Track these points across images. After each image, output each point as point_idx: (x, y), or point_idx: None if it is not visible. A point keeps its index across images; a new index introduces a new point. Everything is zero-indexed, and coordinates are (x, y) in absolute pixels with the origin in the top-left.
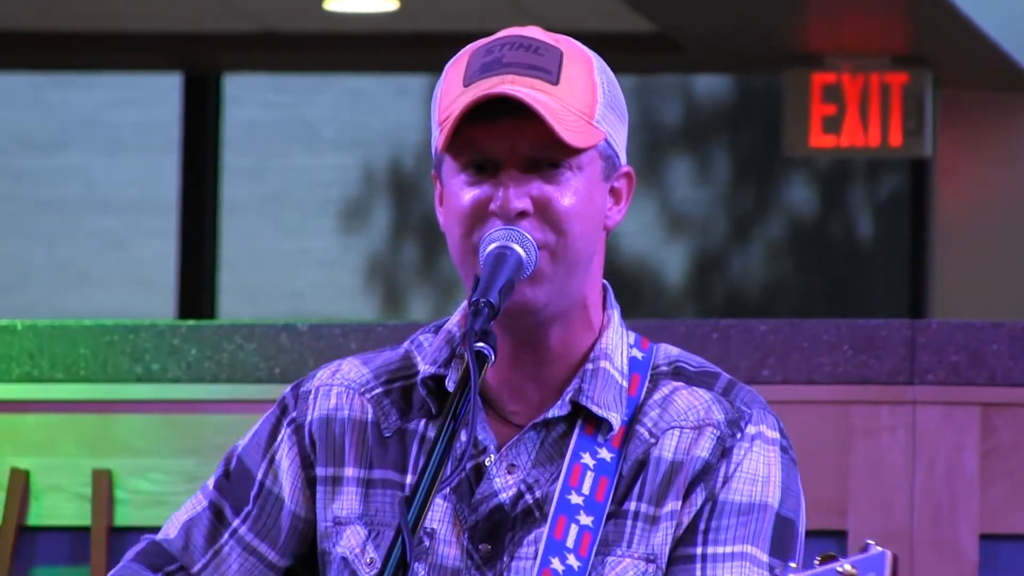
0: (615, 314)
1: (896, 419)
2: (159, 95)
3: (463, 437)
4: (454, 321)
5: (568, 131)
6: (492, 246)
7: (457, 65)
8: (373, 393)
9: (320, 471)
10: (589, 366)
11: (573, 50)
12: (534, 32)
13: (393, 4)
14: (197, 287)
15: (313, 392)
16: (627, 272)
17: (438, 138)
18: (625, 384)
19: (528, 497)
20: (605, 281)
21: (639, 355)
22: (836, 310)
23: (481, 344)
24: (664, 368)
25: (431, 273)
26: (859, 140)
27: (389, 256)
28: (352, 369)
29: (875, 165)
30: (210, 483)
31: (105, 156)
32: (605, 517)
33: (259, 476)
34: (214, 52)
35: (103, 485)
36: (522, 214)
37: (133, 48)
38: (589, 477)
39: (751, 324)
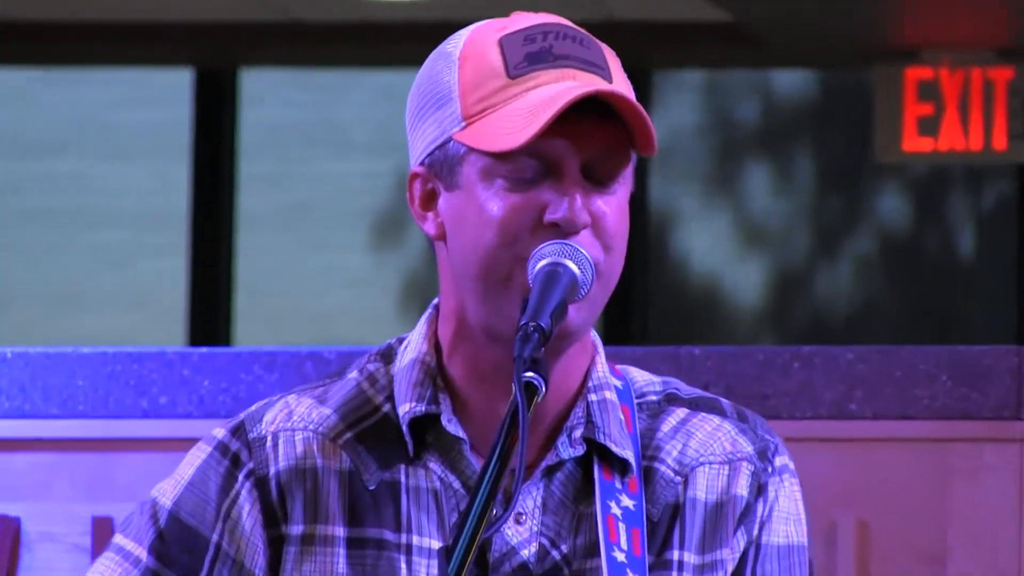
0: (597, 338)
1: (1001, 458)
2: (167, 93)
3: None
4: (422, 349)
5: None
6: (543, 263)
7: (478, 51)
8: (344, 438)
9: (292, 529)
10: (593, 397)
11: (604, 45)
12: (566, 21)
13: None
14: (210, 310)
15: (271, 439)
16: (697, 293)
17: (464, 133)
18: (621, 417)
19: (555, 553)
20: None
21: (618, 383)
22: (934, 336)
23: (531, 374)
24: (653, 396)
25: None
26: (959, 144)
27: (427, 274)
28: (310, 409)
29: (977, 172)
30: (131, 544)
31: (105, 162)
32: (648, 572)
33: (214, 538)
34: (230, 44)
35: (104, 535)
36: (581, 227)
37: (137, 40)
38: (622, 529)
39: (837, 352)
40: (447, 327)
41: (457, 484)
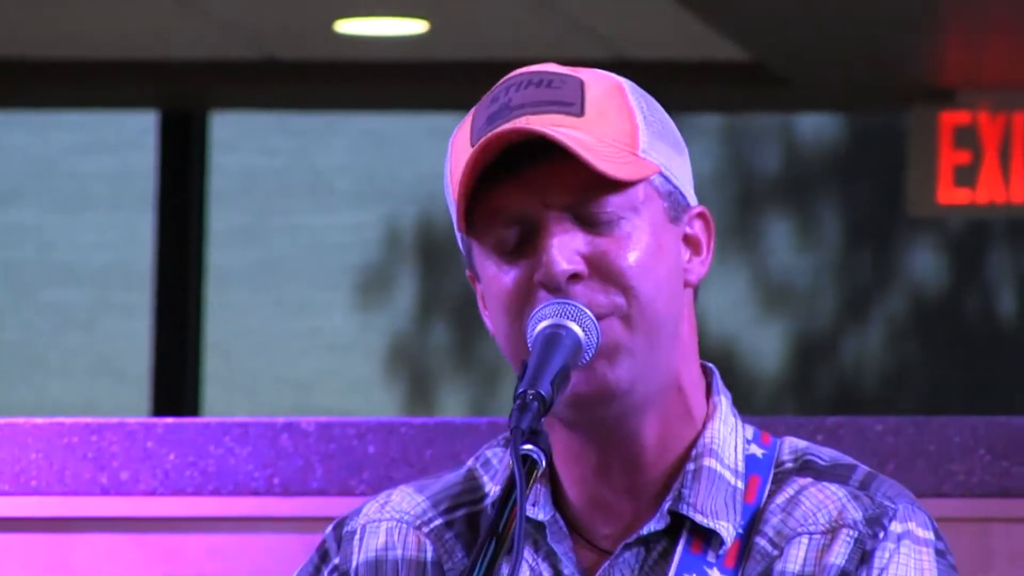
0: (723, 401)
1: None
2: (131, 138)
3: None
4: None
5: (608, 163)
6: (542, 325)
7: (462, 130)
8: (432, 526)
9: None
10: (690, 465)
11: (596, 77)
12: (546, 66)
13: (421, 26)
14: (177, 376)
15: (359, 532)
16: (713, 356)
17: (456, 223)
18: (740, 486)
19: None
20: (710, 364)
21: (759, 452)
22: (972, 405)
23: (529, 446)
24: (789, 464)
25: (467, 359)
26: (999, 195)
27: (416, 338)
28: (404, 499)
29: (1020, 226)
30: None
31: (65, 213)
32: None
33: None
34: (199, 84)
35: None
36: (574, 277)
37: (99, 80)
38: None
39: (866, 423)
40: None
41: (548, 572)
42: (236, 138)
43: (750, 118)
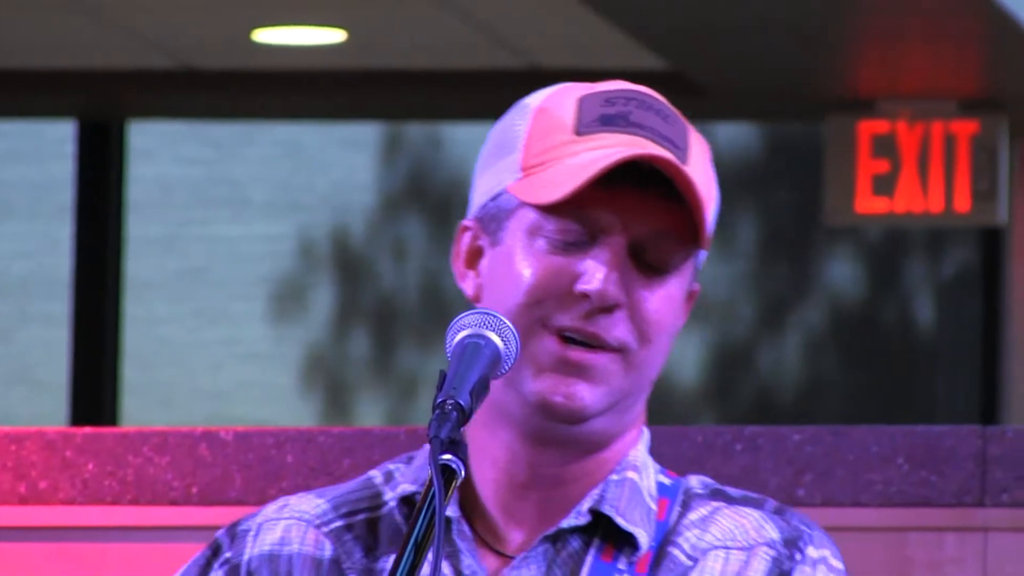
0: (645, 431)
1: (964, 549)
2: (49, 148)
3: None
4: None
5: (706, 224)
6: (463, 334)
7: (557, 107)
8: (332, 526)
9: None
10: (614, 476)
11: (693, 129)
12: (656, 95)
13: (339, 35)
14: (96, 385)
15: (254, 529)
16: None
17: (516, 185)
18: (653, 507)
19: None
20: None
21: (667, 481)
22: (889, 415)
23: (448, 456)
24: (699, 491)
25: (385, 369)
26: (917, 205)
27: (333, 349)
28: (303, 501)
29: (937, 236)
30: None
31: None
32: None
33: None
34: (116, 94)
35: None
36: (614, 306)
37: (14, 89)
38: None
39: (784, 432)
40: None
41: (449, 571)
42: (153, 148)
43: None
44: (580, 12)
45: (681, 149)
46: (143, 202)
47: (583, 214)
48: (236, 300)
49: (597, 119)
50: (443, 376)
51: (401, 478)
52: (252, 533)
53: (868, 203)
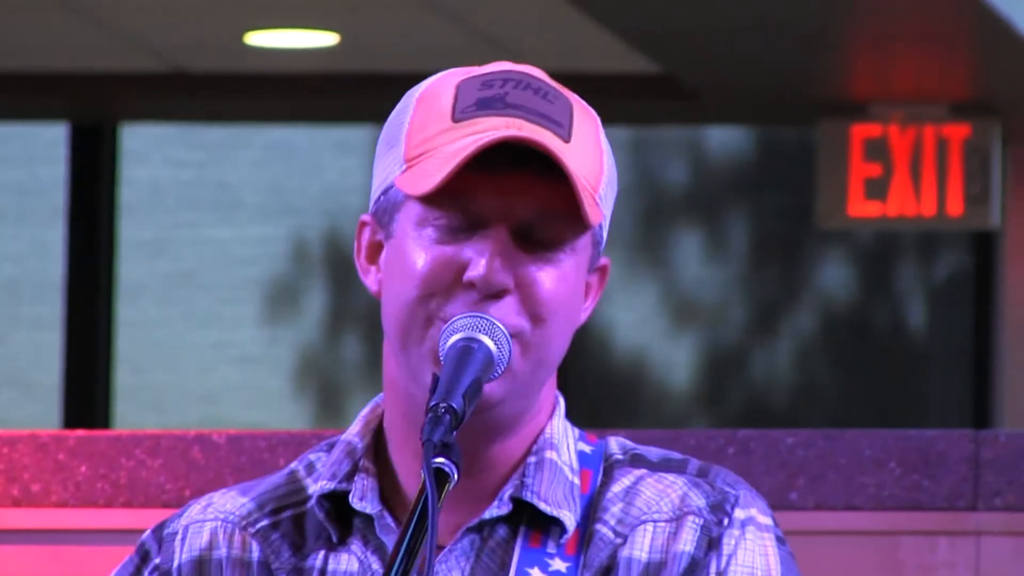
0: (560, 398)
1: (956, 553)
2: (40, 150)
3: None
4: (353, 431)
5: (584, 200)
6: (455, 337)
7: (437, 95)
8: (258, 527)
9: None
10: (532, 459)
11: (581, 105)
12: (538, 72)
13: (332, 38)
14: (88, 389)
15: (180, 532)
16: (623, 371)
17: (400, 178)
18: (576, 481)
19: None
20: None
21: (587, 448)
22: (882, 419)
23: (442, 460)
24: (619, 457)
25: (378, 372)
26: (910, 208)
27: (325, 351)
28: (227, 501)
29: (930, 239)
30: None
31: None
32: None
33: None
34: (109, 96)
35: None
36: (502, 292)
37: (7, 91)
38: None
39: (776, 436)
40: (387, 398)
41: (377, 565)
42: (145, 151)
43: (659, 131)
44: (572, 15)
45: (561, 126)
46: (135, 205)
47: (464, 201)
48: (228, 303)
49: (474, 104)
50: (436, 379)
51: (322, 468)
52: (179, 537)
53: (861, 207)
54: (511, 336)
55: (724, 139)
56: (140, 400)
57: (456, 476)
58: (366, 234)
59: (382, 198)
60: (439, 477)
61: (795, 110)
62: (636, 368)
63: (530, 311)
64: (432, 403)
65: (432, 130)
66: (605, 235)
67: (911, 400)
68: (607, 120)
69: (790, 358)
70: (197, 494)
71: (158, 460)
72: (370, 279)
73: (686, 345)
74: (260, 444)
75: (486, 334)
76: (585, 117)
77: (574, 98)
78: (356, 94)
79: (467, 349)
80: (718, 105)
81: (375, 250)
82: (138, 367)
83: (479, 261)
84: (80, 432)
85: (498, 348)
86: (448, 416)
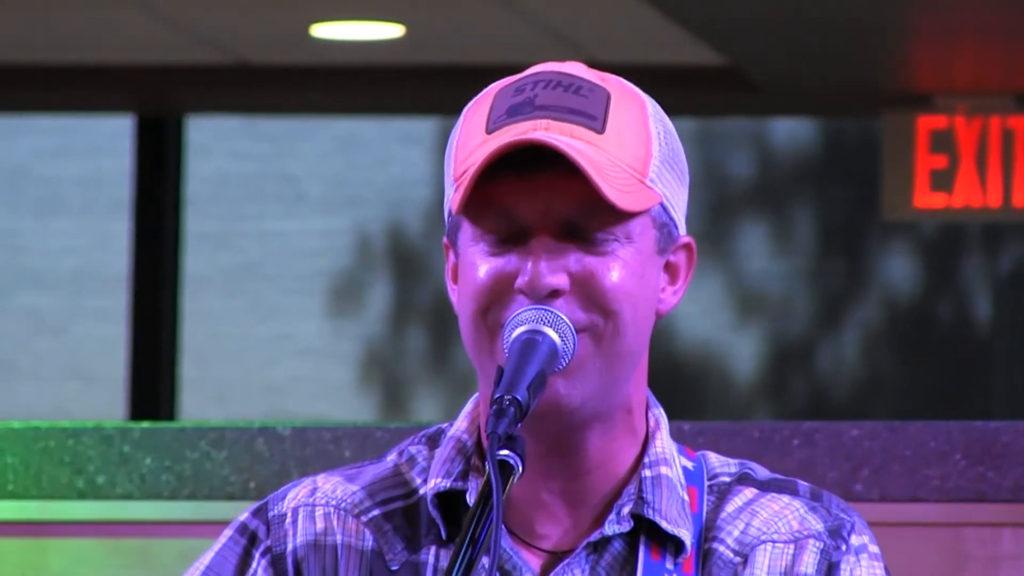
0: (662, 415)
1: (1020, 545)
2: (105, 143)
3: (485, 563)
4: (461, 427)
5: (617, 191)
6: (520, 330)
7: (478, 108)
8: (370, 516)
9: None
10: (647, 473)
11: (623, 91)
12: (575, 68)
13: (397, 30)
14: (153, 381)
15: (290, 515)
16: (687, 363)
17: (452, 198)
18: (686, 498)
19: None
20: None
21: (690, 465)
22: (946, 411)
23: (506, 452)
24: (725, 477)
25: (442, 365)
26: (976, 200)
27: (390, 344)
28: (336, 487)
29: (995, 231)
30: None
31: (37, 218)
32: None
33: None
34: (174, 89)
35: None
36: (555, 293)
37: (73, 84)
38: None
39: (841, 428)
40: (483, 403)
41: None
42: (210, 143)
43: (724, 123)
44: (638, 7)
45: (594, 119)
46: (200, 197)
47: (506, 210)
48: (292, 295)
49: (505, 112)
50: (500, 372)
51: (424, 462)
52: (289, 520)
53: (926, 198)
54: (581, 331)
55: (789, 131)
56: (205, 392)
57: (521, 468)
58: (449, 256)
59: (448, 219)
60: (504, 469)
61: (860, 102)
62: (701, 360)
63: (595, 305)
64: (496, 395)
65: (472, 145)
66: (676, 214)
67: (975, 392)
68: (671, 112)
69: (855, 350)
70: (261, 487)
71: (223, 452)
72: (454, 298)
73: (751, 337)
74: (325, 436)
75: (550, 326)
76: (626, 103)
77: (616, 86)
78: (421, 86)
79: (531, 341)
80: (783, 97)
81: (455, 270)
82: (202, 359)
83: (525, 268)
84: (145, 424)
85: (563, 340)
86: (512, 408)
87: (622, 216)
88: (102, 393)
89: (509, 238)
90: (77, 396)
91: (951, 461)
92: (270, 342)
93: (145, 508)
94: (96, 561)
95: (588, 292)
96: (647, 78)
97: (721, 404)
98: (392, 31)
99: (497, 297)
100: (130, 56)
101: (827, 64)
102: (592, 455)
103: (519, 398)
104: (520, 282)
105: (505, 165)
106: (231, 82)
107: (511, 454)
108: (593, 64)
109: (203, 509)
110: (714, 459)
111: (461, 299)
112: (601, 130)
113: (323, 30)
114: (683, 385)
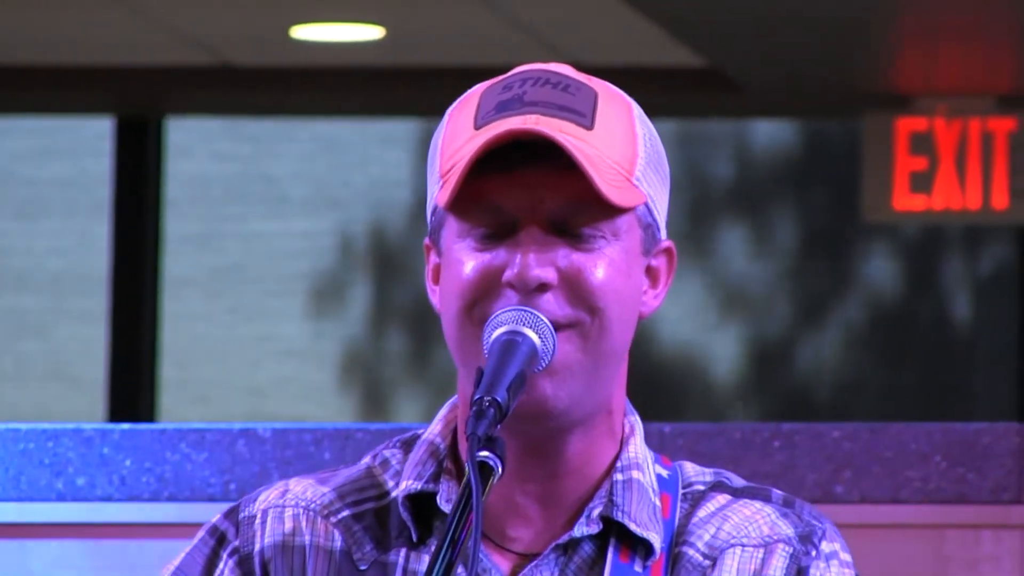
0: (638, 422)
1: (1001, 547)
2: (86, 144)
3: (461, 569)
4: (435, 431)
5: (608, 185)
6: (500, 331)
7: (465, 106)
8: (340, 516)
9: None
10: (618, 476)
11: (609, 92)
12: (562, 68)
13: (378, 32)
14: (133, 382)
15: (260, 516)
16: (668, 364)
17: (438, 195)
18: (658, 503)
19: None
20: None
21: (664, 472)
22: (927, 412)
23: (486, 453)
24: (700, 486)
25: (423, 366)
26: (955, 202)
27: (370, 345)
28: (306, 489)
29: (975, 233)
30: None
31: (18, 219)
32: None
33: None
34: (155, 90)
35: None
36: (543, 287)
37: (52, 85)
38: None
39: (822, 429)
40: (460, 404)
41: (459, 569)
42: (191, 144)
43: (705, 124)
44: (618, 8)
45: (583, 115)
46: (181, 199)
47: (495, 205)
48: (273, 297)
49: (493, 108)
50: (480, 373)
51: (398, 465)
52: (259, 521)
53: (906, 200)
54: (567, 328)
55: (770, 133)
56: (185, 394)
57: (501, 470)
58: (431, 257)
59: (432, 218)
60: (483, 470)
61: (841, 103)
62: (682, 361)
63: (582, 301)
64: (476, 397)
65: (459, 141)
66: (659, 217)
67: (956, 393)
68: (652, 114)
69: (835, 352)
70: (242, 488)
71: (203, 454)
72: (434, 298)
73: (732, 338)
74: (306, 438)
75: (530, 327)
76: (613, 103)
77: (602, 87)
78: (402, 88)
79: (511, 343)
80: (764, 99)
81: (436, 270)
82: (183, 361)
83: (514, 261)
84: (125, 425)
85: (542, 341)
86: (492, 410)
87: (610, 212)
88: (83, 394)
89: (496, 233)
90: (58, 398)
91: (932, 462)
92: (252, 343)
93: (125, 510)
94: (76, 563)
95: (575, 288)
96: (628, 79)
97: (702, 405)
98: (373, 33)
99: (484, 293)
100: (111, 57)
101: (807, 66)
102: (571, 458)
103: (499, 399)
104: (508, 275)
105: (492, 162)
106: (212, 83)
107: (491, 455)
108: (573, 65)
109: (184, 511)
110: (690, 468)
111: (445, 297)
112: (590, 126)
113: (304, 31)
114: (664, 386)
